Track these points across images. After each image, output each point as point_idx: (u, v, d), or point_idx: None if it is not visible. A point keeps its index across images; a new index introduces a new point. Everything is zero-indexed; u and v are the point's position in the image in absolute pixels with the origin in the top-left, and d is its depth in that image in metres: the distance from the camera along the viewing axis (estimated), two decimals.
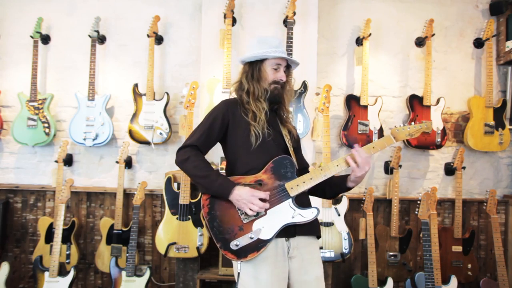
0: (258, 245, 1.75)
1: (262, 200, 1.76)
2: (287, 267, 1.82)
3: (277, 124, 2.00)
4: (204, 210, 1.83)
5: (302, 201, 1.86)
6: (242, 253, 1.75)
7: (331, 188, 1.98)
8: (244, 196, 1.75)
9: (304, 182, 1.83)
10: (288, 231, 1.81)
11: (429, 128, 1.96)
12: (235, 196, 1.76)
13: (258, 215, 1.78)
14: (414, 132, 1.91)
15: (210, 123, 1.91)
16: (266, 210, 1.78)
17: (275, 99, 1.97)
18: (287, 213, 1.80)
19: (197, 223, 3.00)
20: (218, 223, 1.79)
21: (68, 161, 3.55)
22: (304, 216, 1.80)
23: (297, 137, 2.09)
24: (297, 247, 1.84)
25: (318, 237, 1.95)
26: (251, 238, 1.76)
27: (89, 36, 3.50)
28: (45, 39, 3.61)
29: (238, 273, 1.79)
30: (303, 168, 2.03)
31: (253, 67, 1.98)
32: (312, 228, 1.90)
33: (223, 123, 1.92)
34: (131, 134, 3.44)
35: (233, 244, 1.75)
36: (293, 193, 1.82)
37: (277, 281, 1.77)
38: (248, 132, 1.87)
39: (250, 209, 1.75)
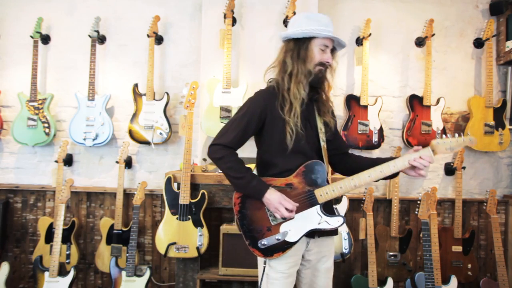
0: (284, 246, 1.82)
1: (289, 210, 1.78)
2: (300, 259, 1.91)
3: (313, 116, 1.93)
4: (235, 208, 1.88)
5: (329, 207, 1.90)
6: (269, 252, 1.83)
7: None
8: (273, 202, 1.78)
9: (333, 191, 1.83)
10: (310, 234, 1.86)
11: (473, 143, 1.81)
12: (266, 199, 1.80)
13: (286, 219, 1.82)
14: (455, 146, 1.79)
15: (246, 122, 1.84)
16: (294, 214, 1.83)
17: (317, 83, 1.87)
18: (313, 219, 1.84)
19: (197, 223, 3.00)
20: (248, 221, 1.85)
21: (68, 161, 3.55)
22: (330, 223, 1.84)
23: (335, 127, 2.00)
24: (315, 242, 1.92)
25: (336, 234, 2.02)
26: (278, 239, 1.82)
27: (89, 36, 3.50)
28: (45, 39, 3.61)
29: (264, 268, 1.88)
30: (343, 153, 2.03)
31: (300, 45, 1.83)
32: (333, 231, 1.94)
33: (259, 121, 1.85)
34: (131, 134, 3.44)
35: (261, 243, 1.82)
36: (321, 200, 1.84)
37: (292, 272, 1.88)
38: (284, 132, 1.82)
39: (278, 214, 1.79)
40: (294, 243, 1.82)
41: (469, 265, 3.33)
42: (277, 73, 1.90)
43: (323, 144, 1.92)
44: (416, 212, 3.08)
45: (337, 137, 2.03)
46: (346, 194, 3.24)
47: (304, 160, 1.85)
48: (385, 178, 1.90)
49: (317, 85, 1.89)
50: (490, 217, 3.24)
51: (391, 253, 3.31)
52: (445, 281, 3.14)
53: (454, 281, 3.13)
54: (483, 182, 3.58)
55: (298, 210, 1.82)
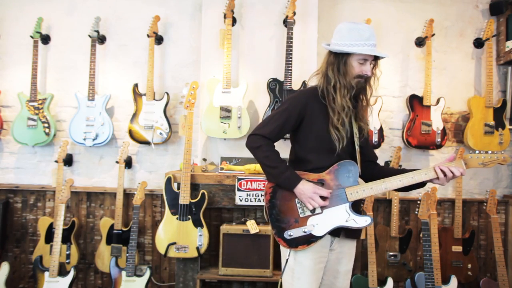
0: (309, 239, 1.87)
1: (322, 198, 1.85)
2: (326, 257, 1.95)
3: (350, 123, 1.98)
4: (266, 197, 1.95)
5: (357, 206, 1.95)
6: (294, 243, 1.88)
7: (408, 186, 1.95)
8: (307, 192, 1.84)
9: (364, 190, 1.89)
10: (335, 231, 1.91)
11: (506, 161, 1.84)
12: (298, 189, 1.86)
13: (314, 212, 1.88)
14: (488, 162, 1.83)
15: (286, 117, 1.92)
16: (323, 209, 1.88)
17: (357, 93, 1.94)
18: (342, 216, 1.88)
19: (197, 223, 3.00)
20: (277, 211, 1.92)
21: (68, 161, 3.55)
22: (357, 222, 1.88)
23: (367, 133, 2.05)
24: (339, 242, 1.97)
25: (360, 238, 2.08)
26: (304, 232, 1.87)
27: (89, 36, 3.50)
28: (45, 39, 3.61)
29: (287, 259, 1.92)
30: (370, 161, 2.08)
31: (339, 60, 1.91)
32: (358, 233, 2.00)
33: (298, 118, 1.93)
34: (131, 134, 3.44)
35: (287, 234, 1.88)
36: (351, 198, 1.89)
37: (317, 269, 1.93)
38: (324, 133, 1.89)
39: (310, 204, 1.85)
40: (319, 237, 1.87)
41: (469, 265, 3.33)
42: (321, 82, 1.96)
43: (357, 148, 1.98)
44: (416, 212, 3.08)
45: (366, 145, 2.08)
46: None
47: (337, 160, 1.91)
48: (411, 188, 1.95)
49: (356, 95, 1.95)
50: (490, 217, 3.24)
51: (391, 253, 3.31)
52: (445, 281, 3.14)
53: (454, 281, 3.13)
54: (483, 182, 3.58)
55: (327, 206, 1.87)
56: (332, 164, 1.91)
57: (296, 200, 1.90)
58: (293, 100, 1.97)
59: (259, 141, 1.92)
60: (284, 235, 1.89)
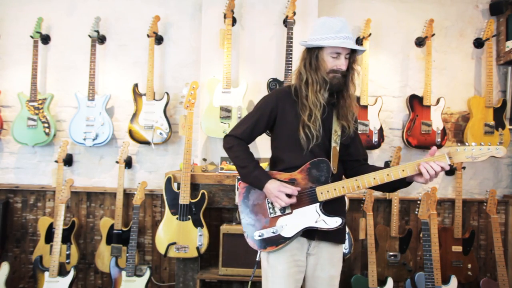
0: (278, 240, 1.83)
1: (289, 196, 1.79)
2: (304, 261, 1.89)
3: (330, 119, 1.91)
4: (239, 198, 1.94)
5: (333, 207, 1.85)
6: (263, 244, 1.86)
7: (389, 185, 1.84)
8: (273, 190, 1.80)
9: (335, 190, 1.81)
10: (309, 234, 1.85)
11: (500, 153, 1.64)
12: (266, 189, 1.83)
13: (284, 213, 1.84)
14: (478, 155, 1.63)
15: (257, 117, 1.92)
16: (292, 209, 1.83)
17: (334, 89, 1.87)
18: (311, 216, 1.83)
19: (197, 223, 3.00)
20: (248, 211, 1.90)
21: (68, 161, 3.55)
22: (327, 223, 1.82)
23: (354, 132, 1.96)
24: (318, 246, 1.90)
25: (342, 243, 1.97)
26: (273, 232, 1.84)
27: (89, 36, 3.50)
28: (45, 39, 3.61)
29: (256, 261, 1.94)
30: (356, 160, 1.98)
31: (311, 54, 1.87)
32: (336, 236, 1.90)
33: (270, 118, 1.92)
34: (131, 134, 3.44)
35: (256, 235, 1.86)
36: (321, 198, 1.82)
37: (293, 272, 1.86)
38: (296, 133, 1.84)
39: (277, 203, 1.81)
40: (288, 239, 1.82)
41: (469, 265, 3.33)
42: (296, 80, 1.94)
43: (334, 145, 1.90)
44: (416, 212, 3.08)
45: (353, 144, 1.98)
46: (348, 194, 3.24)
47: (312, 158, 1.86)
48: (394, 189, 1.88)
49: (335, 91, 1.89)
50: (490, 217, 3.24)
51: (391, 253, 3.31)
52: (445, 281, 3.14)
53: (454, 281, 3.13)
54: (483, 182, 3.58)
55: (297, 206, 1.82)
56: (306, 163, 1.85)
57: (267, 200, 1.87)
58: (265, 100, 1.97)
59: (231, 141, 1.92)
60: (254, 236, 1.86)
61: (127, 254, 3.16)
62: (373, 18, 3.46)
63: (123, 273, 3.10)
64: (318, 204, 1.82)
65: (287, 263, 1.85)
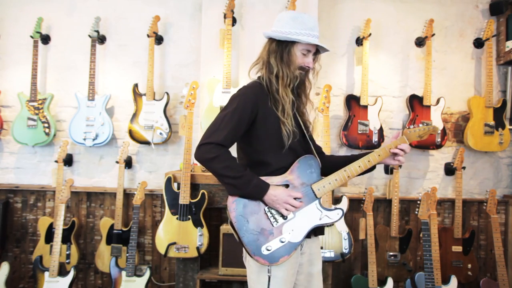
0: (289, 248, 1.73)
1: (298, 199, 1.76)
2: (298, 262, 1.84)
3: (296, 115, 1.88)
4: (232, 214, 1.71)
5: (323, 201, 1.88)
6: (274, 257, 1.71)
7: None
8: (280, 196, 1.71)
9: (330, 183, 1.81)
10: (308, 233, 1.81)
11: (436, 131, 1.99)
12: (269, 196, 1.71)
13: (287, 218, 1.75)
14: (422, 134, 1.95)
15: (238, 118, 1.71)
16: (295, 212, 1.75)
17: (299, 84, 1.84)
18: (315, 214, 1.79)
19: (197, 223, 3.00)
20: (247, 227, 1.71)
21: (68, 161, 3.55)
22: (330, 217, 1.80)
23: (311, 128, 1.98)
24: (307, 243, 1.88)
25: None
26: (282, 241, 1.72)
27: (89, 36, 3.50)
28: (45, 39, 3.61)
29: (269, 277, 1.74)
30: (320, 153, 1.99)
31: (282, 48, 1.78)
32: (322, 229, 1.93)
33: (251, 117, 1.74)
34: (131, 134, 3.44)
35: (265, 249, 1.70)
36: (320, 194, 1.80)
37: (290, 275, 1.80)
38: (278, 130, 1.75)
39: (287, 209, 1.72)
40: (298, 244, 1.74)
41: (469, 265, 3.33)
42: (263, 72, 1.83)
43: (309, 141, 1.91)
44: (416, 212, 3.08)
45: (312, 138, 2.01)
46: (348, 194, 3.24)
47: (295, 157, 1.81)
48: (366, 172, 1.92)
49: (297, 87, 1.86)
50: (490, 217, 3.24)
51: (391, 253, 3.31)
52: (445, 281, 3.14)
53: (454, 281, 3.14)
54: (483, 182, 3.58)
55: (299, 208, 1.78)
56: (292, 162, 1.79)
57: (265, 209, 1.73)
58: (242, 97, 1.76)
59: (214, 150, 1.67)
60: (262, 251, 1.69)
61: (127, 254, 3.17)
62: (373, 18, 3.47)
63: (123, 273, 3.10)
64: (317, 201, 1.80)
65: (287, 270, 1.77)
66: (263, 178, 1.75)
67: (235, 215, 1.71)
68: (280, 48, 1.79)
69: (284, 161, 1.79)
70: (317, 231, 1.88)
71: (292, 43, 1.78)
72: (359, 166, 1.83)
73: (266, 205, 1.74)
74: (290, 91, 1.79)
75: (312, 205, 1.80)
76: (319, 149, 2.02)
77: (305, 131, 1.90)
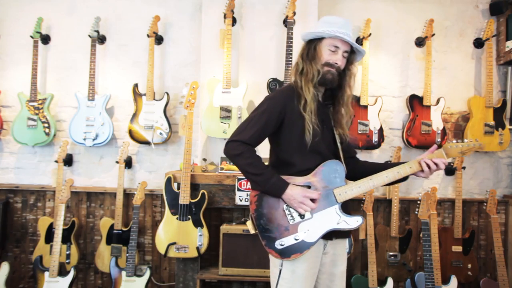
0: (302, 247, 1.78)
1: (312, 201, 1.79)
2: (319, 262, 1.88)
3: (329, 119, 1.92)
4: (252, 206, 1.84)
5: (347, 207, 1.87)
6: (286, 253, 1.78)
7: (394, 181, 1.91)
8: (296, 196, 1.77)
9: (352, 190, 1.83)
10: (327, 235, 1.84)
11: (482, 148, 1.90)
12: (287, 195, 1.78)
13: (304, 218, 1.80)
14: (466, 150, 1.83)
15: (265, 119, 1.81)
16: (312, 213, 1.80)
17: (326, 83, 1.84)
18: (332, 218, 1.82)
19: (197, 223, 3.00)
20: (264, 221, 1.81)
21: (68, 161, 3.55)
22: (348, 223, 1.82)
23: (348, 141, 1.99)
24: (332, 244, 1.90)
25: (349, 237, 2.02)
26: (296, 239, 1.78)
27: (89, 36, 3.50)
28: (45, 39, 3.61)
29: (280, 270, 1.82)
30: (351, 157, 2.02)
31: (310, 46, 1.87)
32: (347, 231, 1.92)
33: (278, 119, 1.84)
34: (131, 134, 3.44)
35: (278, 244, 1.78)
36: (340, 199, 1.83)
37: (311, 275, 1.84)
38: (303, 130, 1.80)
39: (302, 209, 1.78)
40: (312, 244, 1.79)
41: (469, 265, 3.33)
42: (293, 72, 1.92)
43: (339, 146, 1.92)
44: (416, 212, 3.08)
45: (343, 141, 2.01)
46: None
47: (321, 160, 1.85)
48: (397, 182, 1.91)
49: (326, 86, 1.88)
50: (490, 217, 3.24)
51: (391, 253, 3.31)
52: (445, 281, 3.14)
53: (454, 281, 3.13)
54: (483, 182, 3.58)
55: (317, 210, 1.81)
56: (317, 165, 1.84)
57: (284, 206, 1.81)
58: (272, 100, 1.87)
59: (239, 147, 1.80)
60: (275, 245, 1.78)
61: (127, 254, 3.17)
62: (373, 18, 3.46)
63: (123, 273, 3.10)
64: (337, 205, 1.83)
65: (306, 267, 1.82)
66: (286, 177, 1.82)
67: (255, 208, 1.83)
68: (307, 47, 1.88)
69: (309, 163, 1.84)
70: (339, 234, 1.89)
71: (319, 40, 1.84)
72: (386, 177, 1.83)
73: (285, 202, 1.81)
74: (312, 86, 1.83)
75: (331, 208, 1.83)
76: (352, 153, 2.04)
77: (336, 134, 1.91)
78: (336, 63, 1.83)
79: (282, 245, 1.78)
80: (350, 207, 1.90)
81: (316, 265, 1.87)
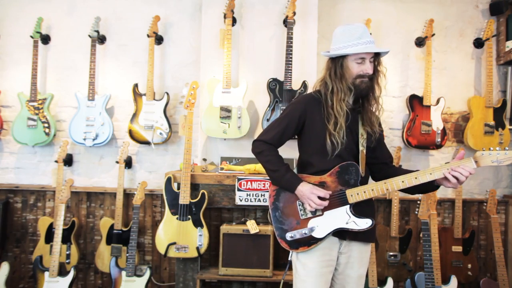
0: (310, 241, 1.91)
1: (321, 198, 1.87)
2: (335, 261, 1.96)
3: (356, 124, 1.99)
4: (270, 199, 2.00)
5: (363, 209, 1.91)
6: (295, 245, 1.93)
7: (418, 188, 1.91)
8: (306, 192, 1.88)
9: (364, 192, 1.88)
10: (340, 234, 1.92)
11: None
12: (298, 191, 1.91)
13: (315, 214, 1.92)
14: (504, 159, 1.69)
15: (286, 123, 1.98)
16: (323, 211, 1.90)
17: (362, 93, 1.93)
18: (342, 218, 1.90)
19: (197, 223, 3.00)
20: (279, 213, 1.97)
21: (68, 161, 3.55)
22: (357, 224, 1.88)
23: (379, 135, 2.04)
24: (349, 245, 1.96)
25: (372, 242, 2.07)
26: (305, 233, 1.91)
27: (89, 36, 3.50)
28: (45, 39, 3.61)
29: (289, 260, 2.01)
30: (383, 163, 2.06)
31: (336, 63, 1.93)
32: (366, 236, 1.95)
33: (298, 124, 1.98)
34: (131, 134, 3.44)
35: (288, 236, 1.93)
36: (351, 200, 1.90)
37: (324, 272, 1.93)
38: (324, 138, 1.90)
39: (309, 205, 1.88)
40: (320, 239, 1.89)
41: (469, 265, 3.33)
42: (322, 88, 1.99)
43: (361, 149, 1.97)
44: (416, 212, 3.08)
45: (379, 147, 2.06)
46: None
47: (340, 162, 1.92)
48: (421, 192, 1.94)
49: (364, 95, 1.94)
50: (490, 217, 3.24)
51: (391, 253, 3.31)
52: (445, 281, 3.14)
53: (454, 281, 3.13)
54: (483, 182, 3.58)
55: (328, 208, 1.89)
56: (335, 167, 1.93)
57: (298, 202, 1.94)
58: (294, 105, 2.02)
59: (261, 146, 1.99)
60: (286, 237, 1.92)
61: (127, 254, 3.17)
62: (373, 18, 3.46)
63: (123, 273, 3.10)
64: (348, 206, 1.90)
65: (319, 262, 1.91)
66: (303, 175, 1.97)
67: (272, 201, 2.00)
68: (333, 64, 1.94)
69: (327, 165, 1.94)
70: (354, 236, 1.92)
71: (344, 56, 1.90)
72: (402, 181, 1.84)
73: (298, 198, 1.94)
74: (345, 104, 1.90)
75: (342, 208, 1.90)
76: (386, 159, 2.07)
77: (362, 138, 1.96)
78: (367, 73, 1.89)
79: (292, 237, 1.92)
80: (364, 209, 1.93)
81: (331, 263, 1.95)
